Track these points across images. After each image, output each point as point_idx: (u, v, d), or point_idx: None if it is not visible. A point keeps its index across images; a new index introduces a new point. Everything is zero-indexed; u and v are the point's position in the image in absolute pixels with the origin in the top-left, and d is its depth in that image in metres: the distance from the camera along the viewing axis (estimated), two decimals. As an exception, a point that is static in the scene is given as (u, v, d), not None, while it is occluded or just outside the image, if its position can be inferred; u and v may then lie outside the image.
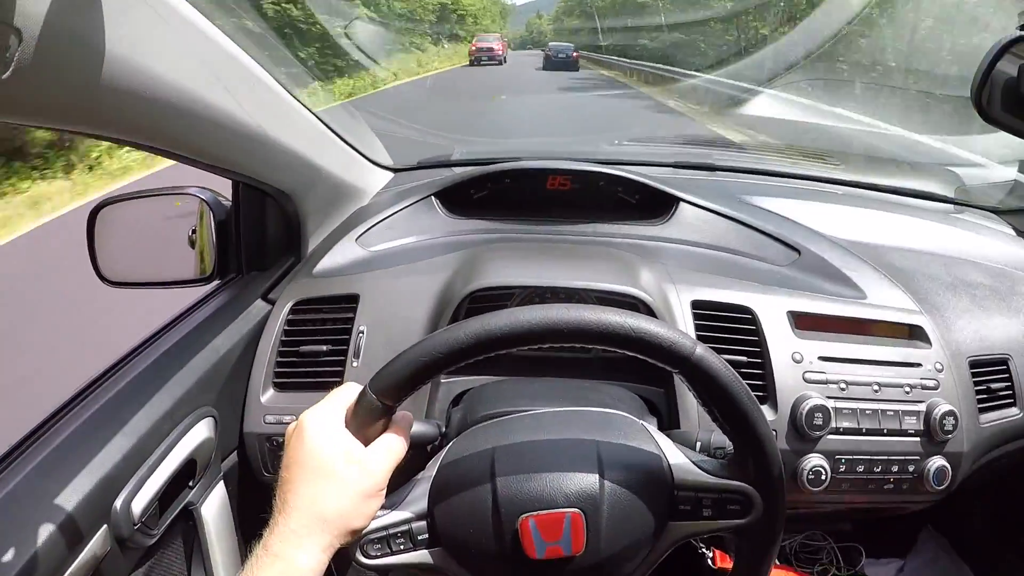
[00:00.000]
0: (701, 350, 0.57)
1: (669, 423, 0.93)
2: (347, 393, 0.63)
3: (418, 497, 0.64)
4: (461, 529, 0.62)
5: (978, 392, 1.02)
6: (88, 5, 0.53)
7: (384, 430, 0.62)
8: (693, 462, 0.65)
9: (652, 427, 0.70)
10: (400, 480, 0.65)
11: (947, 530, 1.46)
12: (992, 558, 1.40)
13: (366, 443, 0.60)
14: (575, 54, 24.43)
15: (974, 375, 1.02)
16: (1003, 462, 1.07)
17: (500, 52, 27.10)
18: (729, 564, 0.96)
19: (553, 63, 23.91)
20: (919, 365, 0.98)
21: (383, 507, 0.62)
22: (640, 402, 0.91)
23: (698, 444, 0.73)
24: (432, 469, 0.66)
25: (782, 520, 0.65)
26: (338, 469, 0.58)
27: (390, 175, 1.43)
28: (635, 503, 0.62)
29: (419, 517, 0.63)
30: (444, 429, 0.82)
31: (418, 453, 0.89)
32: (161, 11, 0.64)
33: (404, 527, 0.63)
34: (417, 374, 0.58)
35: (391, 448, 0.61)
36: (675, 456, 0.65)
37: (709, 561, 0.96)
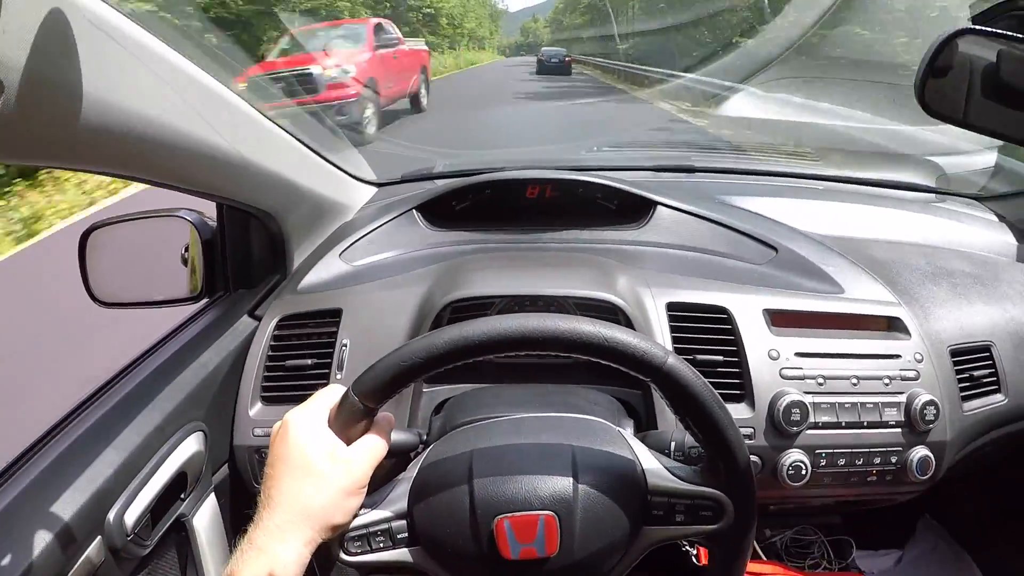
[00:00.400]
0: (672, 360, 0.59)
1: (647, 424, 0.95)
2: (331, 394, 0.65)
3: (398, 497, 0.66)
4: (439, 529, 0.64)
5: (961, 380, 1.02)
6: (64, 52, 0.56)
7: (366, 431, 0.64)
8: (667, 468, 0.66)
9: (628, 433, 0.71)
10: (383, 482, 0.68)
11: (945, 519, 1.47)
12: (991, 545, 1.40)
13: (348, 443, 0.63)
14: (567, 59, 25.52)
15: (956, 363, 1.02)
16: (992, 449, 1.07)
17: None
18: None
19: (546, 67, 24.75)
20: (898, 356, 0.99)
21: (364, 505, 0.65)
22: (618, 405, 0.92)
23: (672, 444, 0.75)
24: (413, 470, 0.68)
25: (753, 526, 0.66)
26: (321, 466, 0.60)
27: (374, 190, 1.45)
28: (608, 507, 0.63)
29: (399, 516, 0.65)
30: (426, 437, 0.84)
31: (400, 461, 0.92)
32: (134, 50, 0.67)
33: (384, 525, 0.65)
34: (397, 377, 0.60)
35: (372, 448, 0.63)
36: (649, 462, 0.67)
37: (693, 558, 0.97)
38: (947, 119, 0.73)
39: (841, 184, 1.49)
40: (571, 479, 0.63)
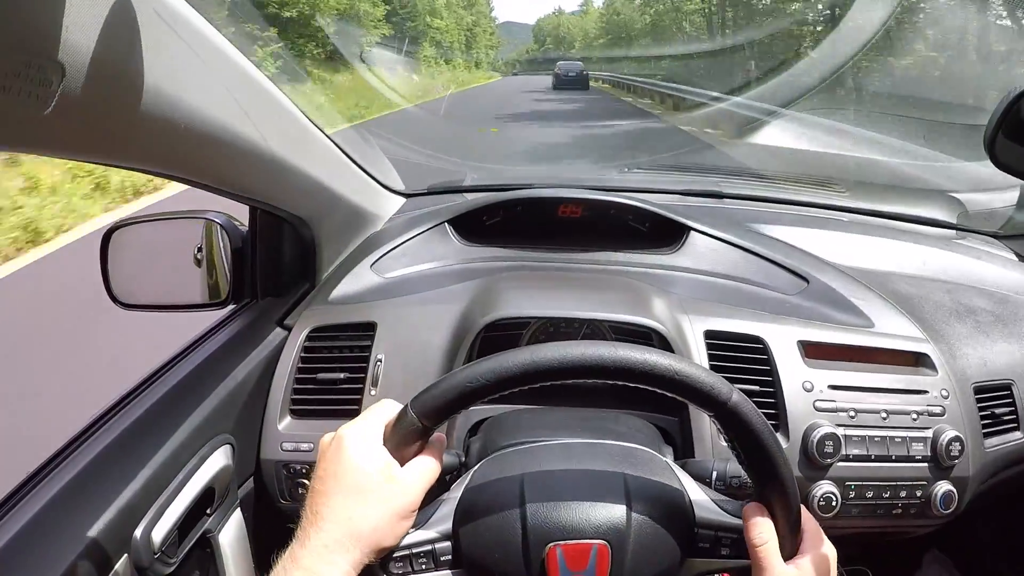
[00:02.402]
0: (737, 397, 0.58)
1: (684, 451, 0.94)
2: (385, 410, 0.63)
3: (443, 518, 0.64)
4: (486, 552, 0.62)
5: (983, 417, 1.03)
6: (128, 40, 0.53)
7: (420, 451, 0.62)
8: (714, 501, 0.66)
9: (672, 462, 0.71)
10: (424, 503, 0.65)
11: (952, 552, 1.47)
12: None
13: (402, 462, 0.61)
14: (584, 72, 24.77)
15: (979, 400, 1.04)
16: (1007, 485, 1.08)
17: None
18: None
19: (563, 82, 24.42)
20: (925, 392, 0.99)
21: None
22: (657, 433, 0.91)
23: (714, 473, 0.74)
24: (458, 491, 0.66)
25: None
26: (375, 486, 0.58)
27: (402, 200, 1.43)
28: (658, 537, 0.62)
29: (443, 538, 0.63)
30: (464, 459, 0.82)
31: (438, 482, 0.89)
32: (194, 44, 0.65)
33: (427, 547, 0.63)
34: (462, 398, 0.59)
35: (426, 469, 0.61)
36: (696, 493, 0.66)
37: None
38: (1015, 172, 0.73)
39: (864, 216, 1.50)
40: (624, 508, 0.62)
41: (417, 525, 0.63)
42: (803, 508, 0.65)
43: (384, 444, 0.61)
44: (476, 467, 0.69)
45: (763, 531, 0.61)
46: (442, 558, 0.63)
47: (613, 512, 0.61)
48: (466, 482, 0.67)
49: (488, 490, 0.65)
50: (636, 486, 0.64)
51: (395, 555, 0.61)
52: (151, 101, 0.58)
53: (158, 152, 0.67)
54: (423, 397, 0.60)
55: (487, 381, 0.58)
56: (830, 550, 0.64)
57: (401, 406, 0.62)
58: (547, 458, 0.68)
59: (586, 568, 0.60)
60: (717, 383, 0.58)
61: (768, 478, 0.61)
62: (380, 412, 0.63)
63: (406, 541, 0.62)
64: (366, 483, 0.58)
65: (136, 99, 0.57)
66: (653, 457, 0.71)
